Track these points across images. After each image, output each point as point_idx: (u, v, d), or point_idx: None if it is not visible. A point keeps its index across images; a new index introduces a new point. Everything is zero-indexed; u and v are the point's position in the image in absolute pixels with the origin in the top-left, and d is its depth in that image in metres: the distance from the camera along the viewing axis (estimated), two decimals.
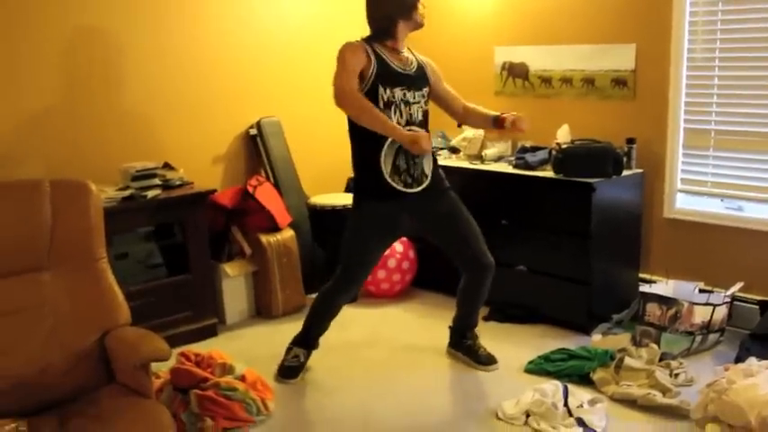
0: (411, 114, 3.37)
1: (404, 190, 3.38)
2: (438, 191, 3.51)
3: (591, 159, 3.98)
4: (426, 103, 3.47)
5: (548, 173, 4.12)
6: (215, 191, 4.23)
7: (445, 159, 4.70)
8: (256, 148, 4.74)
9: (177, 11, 4.33)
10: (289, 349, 3.69)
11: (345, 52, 3.29)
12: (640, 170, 4.23)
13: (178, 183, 4.11)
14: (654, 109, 4.22)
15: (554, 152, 4.08)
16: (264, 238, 4.38)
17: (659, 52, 4.14)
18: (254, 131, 4.72)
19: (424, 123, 3.45)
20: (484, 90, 4.96)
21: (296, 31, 4.89)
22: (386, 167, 3.33)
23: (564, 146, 4.07)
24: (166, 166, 4.22)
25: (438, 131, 4.95)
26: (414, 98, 3.38)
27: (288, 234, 4.49)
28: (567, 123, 4.38)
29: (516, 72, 4.81)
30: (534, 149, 4.36)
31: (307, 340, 3.68)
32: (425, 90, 3.45)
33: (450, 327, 3.85)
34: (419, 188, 3.42)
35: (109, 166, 4.02)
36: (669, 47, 4.10)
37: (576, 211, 3.96)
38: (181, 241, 4.14)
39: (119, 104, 4.16)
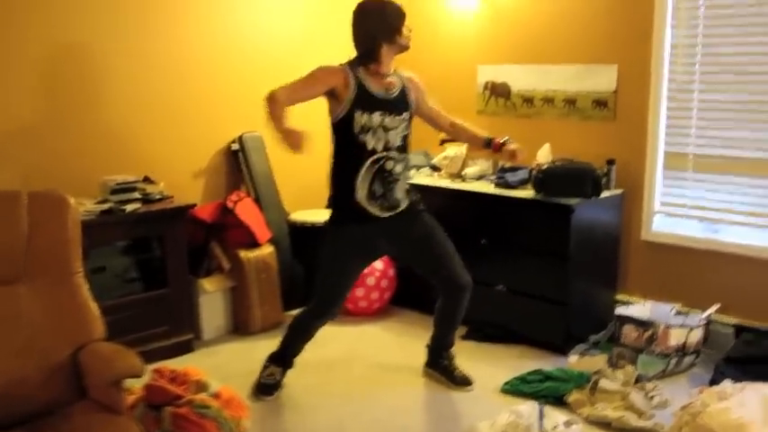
0: (388, 141, 3.37)
1: (379, 215, 3.40)
2: (413, 213, 3.53)
3: (570, 180, 4.01)
4: (407, 127, 3.46)
5: (528, 192, 4.14)
6: (195, 205, 4.23)
7: (426, 177, 4.72)
8: (238, 164, 4.74)
9: (161, 25, 4.34)
10: (265, 366, 3.68)
11: (317, 70, 3.35)
12: (619, 191, 4.27)
13: (158, 197, 4.10)
14: (634, 130, 4.26)
15: (534, 172, 4.10)
16: (243, 254, 4.38)
17: (640, 74, 4.19)
18: (235, 146, 4.71)
19: (402, 148, 3.44)
20: (466, 109, 4.98)
21: (281, 46, 4.90)
22: (361, 191, 3.35)
23: (544, 166, 4.10)
24: (146, 179, 4.21)
25: (420, 150, 4.98)
26: (392, 123, 3.38)
27: (267, 250, 4.49)
28: (549, 143, 4.41)
29: (498, 91, 4.85)
30: (515, 169, 4.38)
31: (283, 359, 3.68)
32: (406, 115, 3.44)
33: (427, 346, 3.86)
34: (394, 212, 3.44)
35: (88, 179, 4.01)
36: (650, 69, 4.15)
37: (555, 231, 3.99)
38: (159, 255, 4.13)
39: (100, 117, 4.16)
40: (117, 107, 4.22)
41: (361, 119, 3.31)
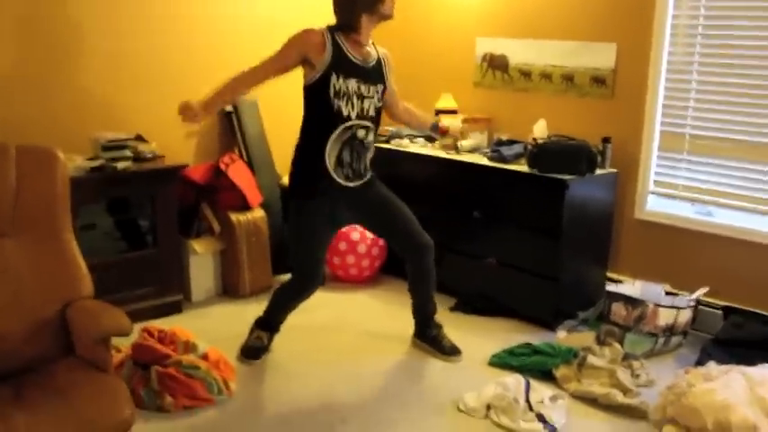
0: (363, 108, 3.34)
1: (344, 183, 3.38)
2: (369, 181, 3.52)
3: (565, 156, 3.98)
4: (380, 99, 3.42)
5: (522, 167, 4.11)
6: (187, 166, 4.19)
7: (420, 147, 4.68)
8: (231, 126, 4.68)
9: None
10: (252, 330, 3.68)
11: (296, 40, 3.27)
12: (614, 170, 4.24)
13: (150, 156, 4.05)
14: (631, 109, 4.23)
15: (529, 147, 4.07)
16: (234, 217, 4.34)
17: (639, 53, 4.15)
18: (229, 108, 4.65)
19: (375, 119, 3.42)
20: (463, 80, 4.94)
21: (277, 6, 4.82)
22: (330, 159, 3.32)
23: (540, 141, 4.07)
24: (139, 138, 4.16)
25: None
26: (368, 92, 3.35)
27: (258, 214, 4.45)
28: (545, 119, 4.37)
29: (496, 64, 4.79)
30: (510, 143, 4.36)
31: (269, 324, 3.68)
32: (380, 87, 3.41)
33: (413, 317, 3.85)
34: (359, 182, 3.43)
35: (79, 135, 3.95)
36: (650, 48, 4.11)
37: (548, 207, 3.96)
38: (149, 214, 4.08)
39: (91, 71, 4.09)
40: (109, 62, 4.15)
41: (336, 83, 3.25)
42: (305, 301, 3.63)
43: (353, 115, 3.31)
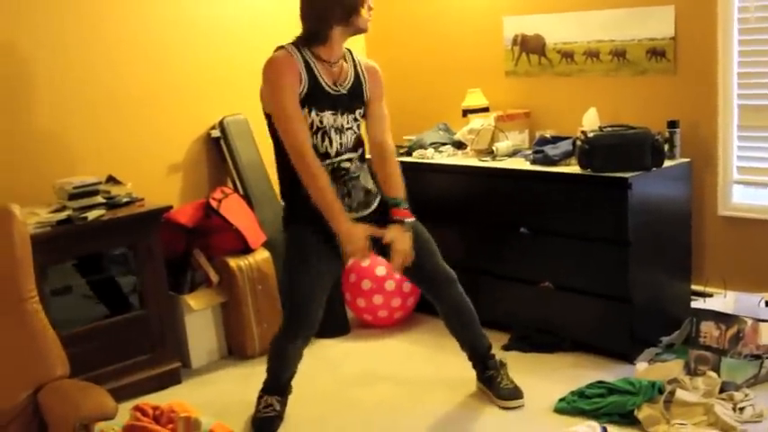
0: (342, 143, 3.40)
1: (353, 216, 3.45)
2: (379, 211, 3.55)
3: (625, 149, 3.95)
4: (360, 126, 3.48)
5: (573, 168, 4.10)
6: (171, 207, 4.22)
7: (448, 157, 4.68)
8: (220, 153, 4.73)
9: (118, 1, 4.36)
10: (260, 398, 3.68)
11: (279, 79, 3.27)
12: (687, 159, 4.21)
13: (126, 200, 4.10)
14: (700, 84, 4.20)
15: (579, 142, 4.06)
16: (234, 263, 4.37)
17: (704, 14, 4.13)
18: (216, 133, 4.71)
19: (354, 149, 3.46)
20: (492, 70, 4.95)
21: (263, 13, 4.88)
22: None
23: (591, 134, 4.05)
24: (111, 179, 4.21)
25: (440, 123, 4.95)
26: (347, 122, 3.41)
27: (262, 256, 4.47)
28: (595, 106, 4.36)
29: (531, 47, 4.79)
30: (555, 140, 4.35)
31: (276, 387, 3.67)
32: (359, 112, 3.45)
33: (469, 360, 3.87)
34: (365, 211, 3.50)
35: (40, 183, 4.02)
36: (716, 7, 4.09)
37: (610, 212, 3.94)
38: (133, 270, 4.13)
39: (45, 108, 4.16)
40: (69, 97, 4.23)
41: (315, 119, 3.34)
42: (304, 349, 3.62)
43: (332, 152, 3.39)
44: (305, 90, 3.30)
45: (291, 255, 3.51)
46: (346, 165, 3.43)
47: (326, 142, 3.36)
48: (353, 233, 3.34)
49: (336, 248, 3.46)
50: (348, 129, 3.42)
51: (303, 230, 3.46)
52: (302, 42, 3.36)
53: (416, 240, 3.55)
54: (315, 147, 3.34)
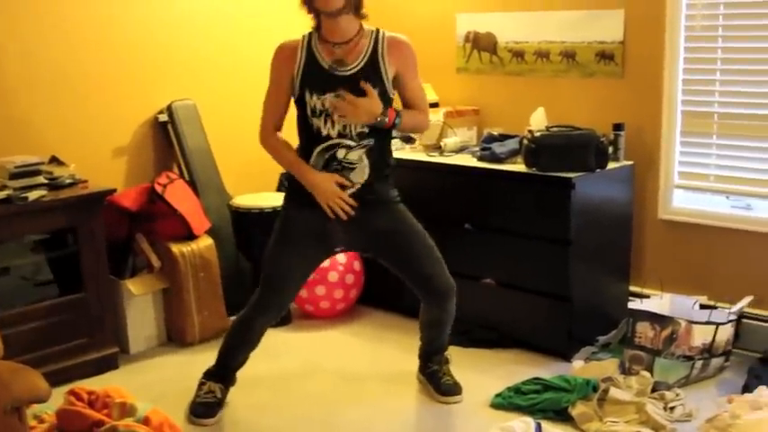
0: (346, 126, 3.36)
1: None
2: (380, 202, 3.51)
3: (570, 150, 4.00)
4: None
5: (519, 166, 4.14)
6: (115, 190, 4.18)
7: (397, 150, 4.68)
8: (167, 138, 4.70)
9: None
10: (201, 384, 3.66)
11: (271, 62, 3.46)
12: (630, 162, 4.27)
13: (68, 181, 4.05)
14: (646, 89, 4.27)
15: (526, 141, 4.10)
16: (177, 249, 4.34)
17: (652, 20, 4.19)
18: (163, 117, 4.67)
19: (370, 135, 3.39)
20: (443, 67, 4.98)
21: None
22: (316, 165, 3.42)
23: (538, 133, 4.10)
24: (54, 160, 4.15)
25: None
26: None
27: (205, 243, 4.45)
28: (543, 106, 4.39)
29: (482, 44, 4.83)
30: (503, 138, 4.39)
31: (223, 374, 3.67)
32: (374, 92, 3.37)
33: (418, 350, 3.90)
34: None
35: None
36: (664, 12, 4.15)
37: (553, 212, 3.99)
38: (73, 253, 4.09)
39: None
40: (10, 73, 4.16)
41: (311, 101, 3.36)
42: (261, 338, 3.63)
43: (334, 134, 3.37)
44: (300, 72, 3.36)
45: (279, 232, 3.52)
46: (341, 153, 3.37)
47: (328, 124, 3.35)
48: (321, 180, 3.37)
49: (327, 234, 3.50)
50: None
51: (297, 211, 3.49)
52: (315, 27, 3.42)
53: (415, 246, 3.57)
54: (317, 129, 3.35)
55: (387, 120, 3.37)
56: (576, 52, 4.47)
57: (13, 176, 3.87)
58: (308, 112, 3.37)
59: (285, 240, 3.50)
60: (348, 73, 3.35)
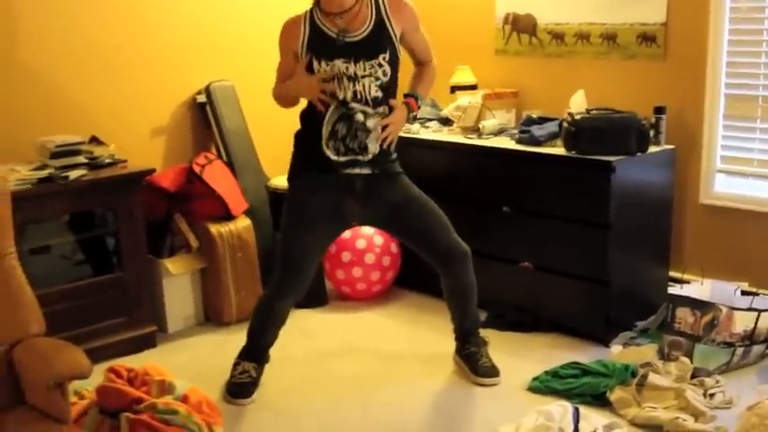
0: (357, 91, 3.40)
1: (334, 158, 3.44)
2: (387, 174, 3.56)
3: (610, 133, 3.98)
4: (386, 72, 3.43)
5: (558, 149, 4.12)
6: (154, 170, 4.22)
7: (434, 133, 4.70)
8: (205, 119, 4.73)
9: None
10: (236, 364, 3.70)
11: (279, 40, 3.56)
12: (671, 146, 4.24)
13: (108, 161, 4.09)
14: (688, 71, 4.23)
15: (566, 124, 4.08)
16: (215, 229, 4.38)
17: (696, 1, 4.15)
18: (202, 98, 4.70)
19: (382, 100, 3.44)
20: (482, 48, 4.96)
21: None
22: (325, 130, 3.43)
23: (578, 116, 4.07)
24: (94, 140, 4.20)
25: (427, 99, 4.94)
26: (363, 70, 3.39)
27: (243, 223, 4.49)
28: (583, 89, 4.37)
29: (521, 26, 4.80)
30: (542, 121, 4.36)
31: (255, 353, 3.71)
32: (382, 58, 3.42)
33: (454, 332, 3.91)
34: (349, 158, 3.46)
35: (21, 140, 4.00)
36: None
37: (593, 195, 3.97)
38: (112, 232, 4.14)
39: (33, 65, 4.14)
40: (54, 53, 4.20)
41: (320, 68, 3.41)
42: (287, 316, 3.66)
43: (349, 98, 3.40)
44: (305, 42, 3.43)
45: (293, 214, 3.56)
46: (360, 117, 3.41)
47: (341, 91, 3.40)
48: (300, 80, 3.45)
49: (342, 211, 3.53)
50: (365, 76, 3.40)
51: (309, 181, 3.52)
52: (315, 3, 3.48)
53: (427, 215, 3.61)
54: (333, 94, 3.40)
55: (414, 110, 3.61)
56: (617, 34, 4.43)
57: (54, 156, 3.92)
58: None
59: (300, 222, 3.53)
60: (357, 38, 3.41)
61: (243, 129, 4.76)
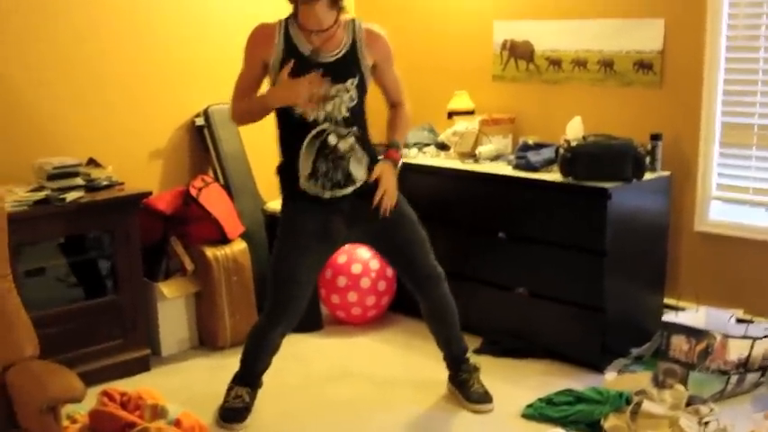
0: (329, 112, 3.37)
1: (322, 195, 3.43)
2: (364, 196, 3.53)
3: (606, 159, 3.99)
4: (353, 98, 3.41)
5: (554, 175, 4.13)
6: (150, 193, 4.23)
7: (432, 158, 4.72)
8: (203, 142, 4.75)
9: None
10: (229, 389, 3.69)
11: (247, 43, 3.47)
12: (667, 173, 4.25)
13: (105, 183, 4.11)
14: (685, 98, 4.24)
15: (562, 150, 4.09)
16: (210, 252, 4.38)
17: (692, 30, 4.17)
18: (200, 121, 4.72)
19: (350, 121, 3.41)
20: (480, 74, 4.98)
21: (253, 3, 4.88)
22: (303, 169, 3.40)
23: (574, 143, 4.09)
24: (91, 162, 4.22)
25: (423, 124, 4.97)
26: (333, 91, 3.36)
27: (239, 247, 4.49)
28: (579, 115, 4.39)
29: (519, 52, 4.83)
30: (538, 147, 4.37)
31: (248, 378, 3.69)
32: (352, 81, 3.39)
33: (444, 359, 3.90)
34: (344, 192, 3.45)
35: (18, 162, 4.02)
36: (704, 21, 4.13)
37: (588, 222, 3.98)
38: (108, 254, 4.15)
39: (31, 87, 4.16)
40: (51, 74, 4.22)
41: None
42: (282, 340, 3.65)
43: (321, 118, 3.37)
44: (280, 56, 3.35)
45: (282, 234, 3.55)
46: (332, 140, 3.38)
47: (312, 112, 3.36)
48: (277, 88, 3.37)
49: (330, 230, 3.51)
50: (334, 97, 3.37)
51: (298, 207, 3.49)
52: (291, 15, 3.42)
53: (409, 234, 3.62)
54: (302, 116, 3.36)
55: (397, 159, 3.57)
56: (614, 61, 4.46)
57: (52, 177, 3.93)
58: None
59: (290, 247, 3.51)
60: (329, 60, 3.37)
61: (240, 152, 4.78)
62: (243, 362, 3.69)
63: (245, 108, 3.49)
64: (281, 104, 3.37)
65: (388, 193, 3.48)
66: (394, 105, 3.66)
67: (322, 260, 3.71)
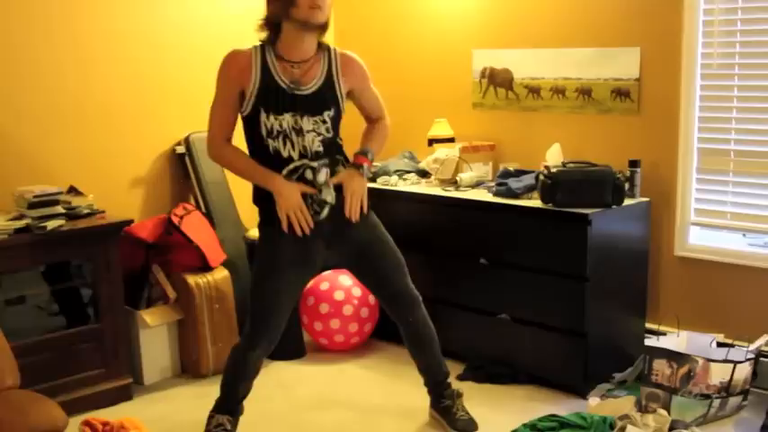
0: (305, 146, 3.34)
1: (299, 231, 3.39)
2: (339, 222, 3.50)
3: (586, 186, 4.01)
4: (331, 128, 3.39)
5: (535, 202, 4.14)
6: (132, 221, 4.21)
7: (412, 185, 4.72)
8: (184, 170, 4.73)
9: (88, 6, 4.36)
10: (210, 417, 3.62)
11: (221, 71, 3.37)
12: (646, 199, 4.28)
13: (86, 211, 4.09)
14: (662, 125, 4.28)
15: (542, 177, 4.11)
16: (192, 280, 4.36)
17: (668, 58, 4.21)
18: (181, 149, 4.72)
19: (325, 154, 3.38)
20: (459, 102, 5.01)
21: (234, 27, 4.88)
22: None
23: (554, 169, 4.10)
24: (72, 190, 4.19)
25: (404, 152, 4.99)
26: (309, 125, 3.33)
27: (221, 275, 4.47)
28: (559, 142, 4.43)
29: (498, 80, 4.86)
30: (519, 173, 4.39)
31: (228, 405, 3.62)
32: (328, 114, 3.37)
33: (425, 385, 3.87)
34: (320, 217, 3.40)
35: None
36: (680, 50, 4.17)
37: (569, 248, 3.99)
38: (89, 283, 4.11)
39: (11, 115, 4.14)
40: (31, 102, 4.21)
41: (267, 121, 3.31)
42: (260, 368, 3.59)
43: (295, 155, 3.34)
44: (256, 88, 3.29)
45: (261, 258, 3.51)
46: (309, 174, 3.33)
47: (288, 146, 3.32)
48: (288, 188, 3.30)
49: (308, 254, 3.47)
50: (310, 131, 3.33)
51: (276, 243, 3.43)
52: (269, 41, 3.36)
53: (386, 257, 3.59)
54: (275, 150, 3.31)
55: (362, 164, 3.47)
56: (592, 89, 4.49)
57: (32, 206, 3.90)
58: (263, 132, 3.31)
59: (269, 273, 3.46)
60: (306, 92, 3.33)
61: (222, 180, 4.77)
62: (223, 389, 3.63)
63: (238, 165, 3.41)
64: (277, 200, 3.31)
65: (355, 196, 3.41)
66: (372, 120, 3.66)
67: (301, 287, 3.68)
